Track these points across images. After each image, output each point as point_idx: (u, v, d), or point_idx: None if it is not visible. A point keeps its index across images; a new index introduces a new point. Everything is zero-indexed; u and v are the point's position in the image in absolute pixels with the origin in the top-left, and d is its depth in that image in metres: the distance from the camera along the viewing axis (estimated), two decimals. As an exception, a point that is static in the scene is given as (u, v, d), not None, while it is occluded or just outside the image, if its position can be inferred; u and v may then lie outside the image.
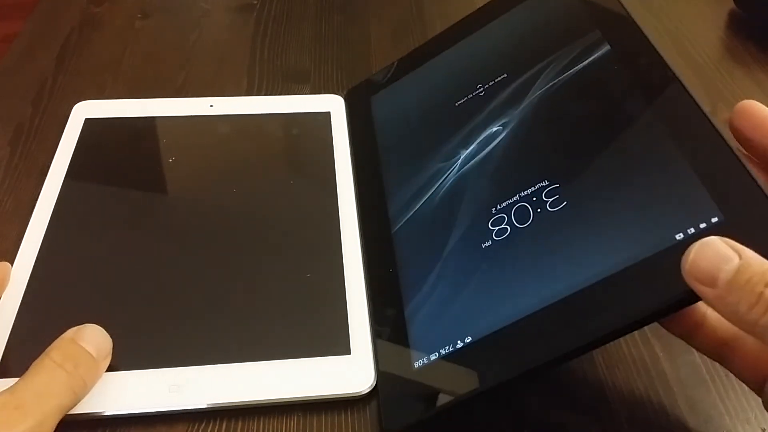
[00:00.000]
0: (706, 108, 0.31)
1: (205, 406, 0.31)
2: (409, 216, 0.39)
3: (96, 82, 0.52)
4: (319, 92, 0.52)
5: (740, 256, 0.24)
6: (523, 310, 0.30)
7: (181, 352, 0.33)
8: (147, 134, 0.45)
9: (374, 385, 0.32)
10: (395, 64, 0.50)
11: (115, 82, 0.52)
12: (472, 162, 0.38)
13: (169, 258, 0.37)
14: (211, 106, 0.47)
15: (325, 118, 0.47)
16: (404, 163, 0.42)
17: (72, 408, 0.29)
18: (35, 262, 0.36)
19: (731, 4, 0.63)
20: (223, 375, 0.32)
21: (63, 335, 0.31)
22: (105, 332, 0.31)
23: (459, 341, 0.31)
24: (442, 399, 0.30)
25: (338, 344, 0.33)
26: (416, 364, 0.32)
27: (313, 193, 0.41)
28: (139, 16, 0.60)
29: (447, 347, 0.32)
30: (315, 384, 0.32)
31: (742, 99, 0.52)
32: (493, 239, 0.34)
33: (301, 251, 0.38)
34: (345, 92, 0.51)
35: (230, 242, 0.38)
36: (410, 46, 0.57)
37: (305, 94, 0.52)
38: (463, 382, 0.30)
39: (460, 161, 0.39)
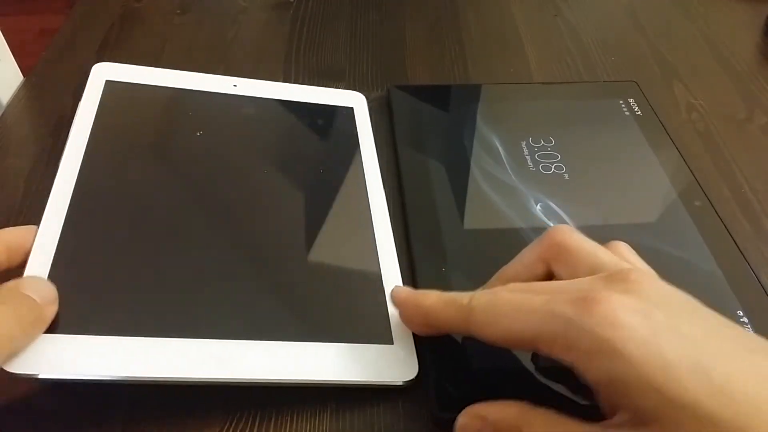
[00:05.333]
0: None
1: (244, 379, 0.31)
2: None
3: (135, 76, 0.53)
4: (354, 90, 0.52)
5: (485, 420, 0.28)
6: None
7: (223, 325, 0.32)
8: (171, 105, 0.44)
9: (416, 376, 0.32)
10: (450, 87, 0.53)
11: (154, 77, 0.53)
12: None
13: (205, 231, 0.37)
14: (235, 85, 0.47)
15: (348, 112, 0.47)
16: (457, 182, 0.44)
17: (20, 344, 0.28)
18: (62, 227, 0.34)
19: (769, 10, 0.62)
20: (263, 352, 0.32)
21: (3, 284, 0.30)
22: (48, 282, 0.31)
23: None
24: None
25: (380, 333, 0.33)
26: (472, 367, 0.33)
27: (343, 182, 0.42)
28: (178, 11, 0.61)
29: (506, 363, 0.33)
30: (358, 369, 0.32)
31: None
32: None
33: (335, 239, 0.38)
34: (387, 87, 0.52)
35: (265, 223, 0.38)
36: (444, 47, 0.58)
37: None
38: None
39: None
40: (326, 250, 0.37)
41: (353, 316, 0.34)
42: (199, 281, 0.34)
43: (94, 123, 0.40)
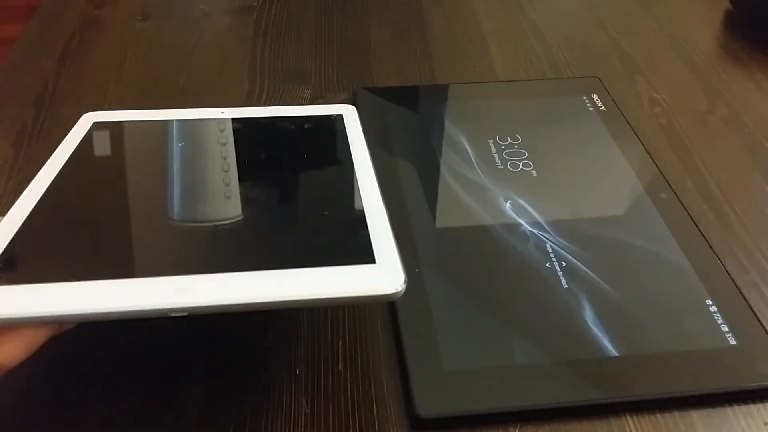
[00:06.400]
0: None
1: (220, 303, 0.30)
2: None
3: (98, 84, 0.53)
4: (320, 93, 0.52)
5: None
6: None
7: (201, 261, 0.33)
8: (156, 130, 0.45)
9: (404, 288, 0.32)
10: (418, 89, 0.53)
11: (117, 84, 0.53)
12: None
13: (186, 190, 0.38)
14: (222, 113, 0.48)
15: (338, 118, 0.48)
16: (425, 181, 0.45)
17: None
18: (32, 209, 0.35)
19: (727, 4, 0.63)
20: (240, 280, 0.31)
21: None
22: None
23: (496, 361, 0.34)
24: (475, 405, 0.32)
25: (362, 254, 0.33)
26: (447, 367, 0.34)
27: (328, 160, 0.42)
28: (139, 18, 0.60)
29: (481, 362, 0.34)
30: (344, 285, 0.32)
31: (740, 98, 0.53)
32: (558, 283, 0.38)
33: (319, 194, 0.39)
34: (353, 89, 0.52)
35: (250, 190, 0.39)
36: (409, 48, 0.58)
37: (306, 95, 0.52)
38: (498, 396, 0.32)
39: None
40: (310, 200, 0.38)
41: (333, 241, 0.35)
42: (168, 223, 0.35)
43: (78, 145, 0.42)
